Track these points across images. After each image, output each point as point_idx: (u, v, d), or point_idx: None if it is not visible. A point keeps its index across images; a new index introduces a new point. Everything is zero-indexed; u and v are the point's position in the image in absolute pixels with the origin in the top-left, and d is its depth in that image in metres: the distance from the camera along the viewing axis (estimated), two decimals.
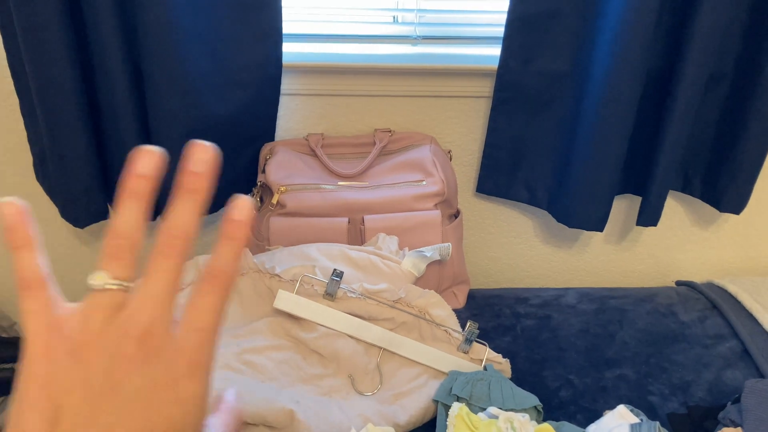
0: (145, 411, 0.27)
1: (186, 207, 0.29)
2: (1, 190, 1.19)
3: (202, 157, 0.29)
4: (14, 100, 1.12)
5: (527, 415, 0.85)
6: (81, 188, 1.04)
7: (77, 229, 1.21)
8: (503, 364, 0.97)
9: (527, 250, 1.35)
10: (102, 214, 1.08)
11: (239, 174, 1.15)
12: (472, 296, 1.17)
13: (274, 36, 1.03)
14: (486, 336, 1.07)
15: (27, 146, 1.16)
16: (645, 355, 1.06)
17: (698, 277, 1.40)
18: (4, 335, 1.31)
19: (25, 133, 1.14)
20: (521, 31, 1.05)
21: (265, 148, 1.13)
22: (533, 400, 0.89)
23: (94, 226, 1.23)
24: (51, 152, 1.01)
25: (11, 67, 1.01)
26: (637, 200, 1.29)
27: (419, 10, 1.15)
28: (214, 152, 0.30)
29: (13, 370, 1.23)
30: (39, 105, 0.97)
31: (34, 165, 1.10)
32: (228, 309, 0.30)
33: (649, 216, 1.13)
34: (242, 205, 0.30)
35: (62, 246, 1.27)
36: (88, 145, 1.01)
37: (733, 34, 1.06)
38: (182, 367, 0.28)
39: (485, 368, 0.95)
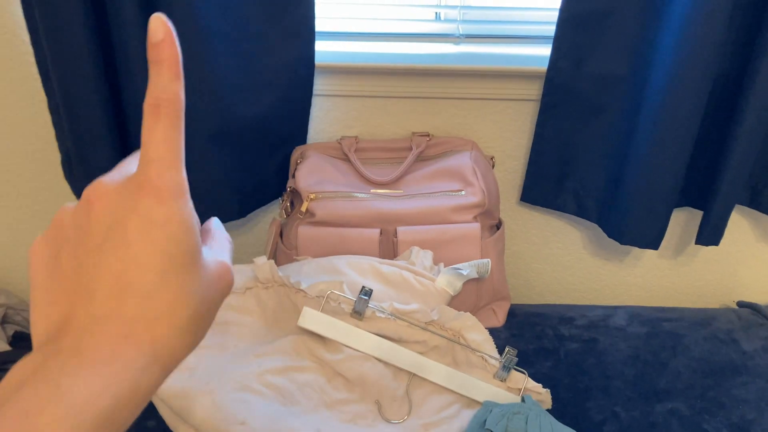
0: (129, 243, 0.27)
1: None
2: (31, 189, 1.17)
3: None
4: (43, 97, 1.09)
5: None
6: None
7: None
8: (543, 395, 0.89)
9: (574, 263, 1.27)
10: None
11: (269, 178, 1.09)
12: (513, 313, 1.09)
13: (306, 34, 0.97)
14: (526, 359, 1.00)
15: (55, 145, 1.13)
16: (701, 387, 0.97)
17: (762, 299, 1.29)
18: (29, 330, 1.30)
19: (52, 132, 1.12)
20: (574, 30, 0.97)
21: (296, 152, 1.07)
22: None
23: None
24: (75, 155, 0.97)
25: (39, 65, 0.98)
26: (697, 213, 1.18)
27: (463, 7, 1.07)
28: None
29: None
30: (63, 107, 0.94)
31: (62, 164, 1.08)
32: (182, 135, 0.29)
33: (710, 234, 1.04)
34: (155, 25, 0.28)
35: None
36: (113, 149, 0.97)
37: None
38: (148, 196, 0.28)
39: (523, 399, 0.87)
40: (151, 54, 0.28)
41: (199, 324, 0.29)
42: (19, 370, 0.26)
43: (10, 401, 0.24)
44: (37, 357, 0.26)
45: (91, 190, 0.29)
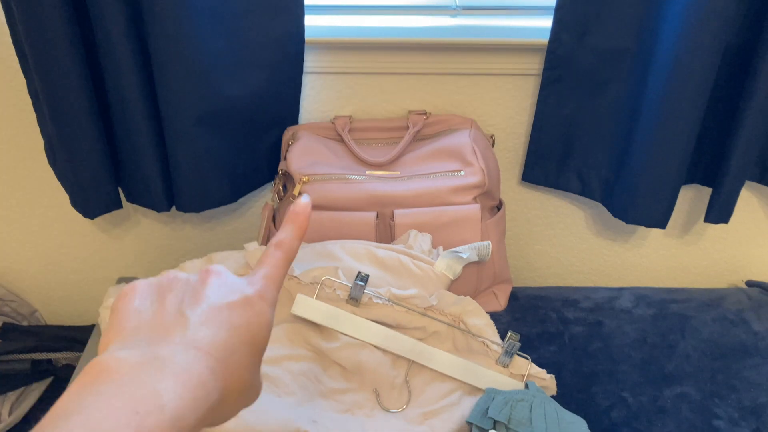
0: (231, 316, 0.34)
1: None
2: (13, 176, 1.13)
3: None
4: (22, 79, 1.05)
5: None
6: (89, 177, 0.96)
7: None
8: (547, 381, 0.86)
9: (577, 244, 1.23)
10: (113, 204, 1.01)
11: (261, 160, 1.05)
12: (515, 296, 1.06)
13: (295, 8, 0.92)
14: (529, 344, 0.96)
15: (38, 129, 1.09)
16: (710, 370, 0.94)
17: None
18: (24, 323, 1.27)
19: (34, 116, 1.07)
20: (576, 0, 0.92)
21: (288, 133, 1.03)
22: (581, 426, 0.78)
23: (109, 216, 1.17)
24: (56, 139, 0.93)
25: (16, 45, 0.93)
26: (705, 190, 1.14)
27: None
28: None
29: (30, 361, 1.18)
30: (41, 89, 0.89)
31: (45, 149, 1.03)
32: (287, 270, 0.41)
33: (719, 212, 1.00)
34: (303, 205, 0.42)
35: (81, 234, 1.21)
36: (95, 132, 0.93)
37: None
38: (254, 295, 0.36)
39: (527, 386, 0.84)
40: (290, 216, 0.42)
41: (247, 398, 0.36)
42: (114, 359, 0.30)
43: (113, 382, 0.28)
44: (134, 354, 0.30)
45: (210, 267, 0.38)
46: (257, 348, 0.35)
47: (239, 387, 0.34)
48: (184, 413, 0.28)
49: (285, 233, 0.41)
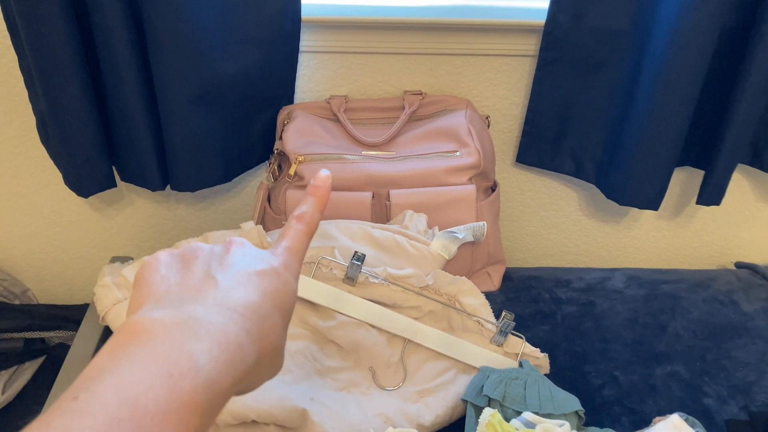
0: (256, 282, 0.34)
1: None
2: (4, 154, 1.12)
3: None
4: (14, 56, 1.03)
5: (567, 424, 0.75)
6: (83, 156, 0.96)
7: None
8: (541, 360, 0.87)
9: (570, 225, 1.24)
10: (107, 183, 1.00)
11: (255, 140, 1.05)
12: (509, 277, 1.06)
13: None
14: (523, 324, 0.97)
15: (29, 106, 1.08)
16: (700, 349, 0.95)
17: (761, 259, 1.27)
18: (16, 302, 1.27)
19: (26, 93, 1.06)
20: None
21: (283, 112, 1.03)
22: (574, 403, 0.79)
23: (102, 195, 1.16)
24: (50, 117, 0.92)
25: (6, 20, 0.92)
26: (696, 172, 1.15)
27: None
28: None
29: (23, 340, 1.18)
30: (34, 66, 0.88)
31: (37, 126, 1.02)
32: (309, 242, 0.41)
33: (711, 194, 1.01)
34: (324, 177, 0.43)
35: (74, 213, 1.20)
36: (89, 110, 0.92)
37: None
38: (280, 266, 0.36)
39: (521, 364, 0.85)
40: (311, 189, 0.42)
41: (275, 367, 0.35)
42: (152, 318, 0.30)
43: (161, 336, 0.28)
44: (168, 314, 0.30)
45: (233, 238, 0.37)
46: (286, 315, 0.35)
47: (272, 352, 0.33)
48: (219, 377, 0.28)
49: (306, 206, 0.41)
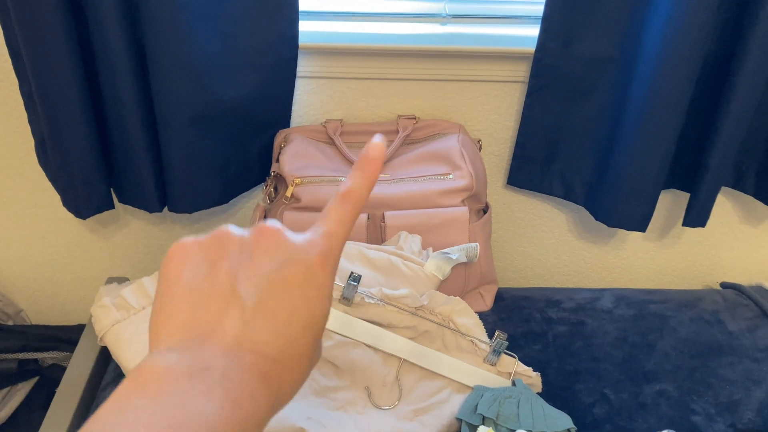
0: (289, 288, 0.31)
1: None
2: (1, 175, 1.13)
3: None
4: (14, 79, 1.05)
5: None
6: (82, 178, 0.97)
7: None
8: (533, 378, 0.89)
9: (559, 246, 1.26)
10: (105, 205, 1.02)
11: (252, 162, 1.07)
12: (501, 297, 1.08)
13: (290, 14, 0.94)
14: (515, 343, 0.99)
15: (28, 128, 1.09)
16: (688, 368, 0.97)
17: (745, 279, 1.30)
18: (10, 323, 1.27)
19: (25, 115, 1.07)
20: (562, 10, 0.95)
21: (280, 135, 1.05)
22: (566, 422, 0.81)
23: (98, 216, 1.17)
24: (50, 139, 0.94)
25: (9, 45, 0.93)
26: (682, 195, 1.19)
27: None
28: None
29: (17, 361, 1.18)
30: (36, 90, 0.90)
31: (36, 149, 1.04)
32: (354, 223, 0.36)
33: (697, 216, 1.04)
34: (378, 147, 0.36)
35: (69, 234, 1.21)
36: (89, 133, 0.94)
37: None
38: (315, 263, 0.32)
39: (514, 383, 0.87)
40: (362, 161, 0.35)
41: (295, 390, 0.32)
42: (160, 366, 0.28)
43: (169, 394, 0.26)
44: (183, 361, 0.28)
45: (265, 225, 0.33)
46: (316, 330, 0.32)
47: (295, 385, 0.31)
48: None
49: (353, 181, 0.35)
